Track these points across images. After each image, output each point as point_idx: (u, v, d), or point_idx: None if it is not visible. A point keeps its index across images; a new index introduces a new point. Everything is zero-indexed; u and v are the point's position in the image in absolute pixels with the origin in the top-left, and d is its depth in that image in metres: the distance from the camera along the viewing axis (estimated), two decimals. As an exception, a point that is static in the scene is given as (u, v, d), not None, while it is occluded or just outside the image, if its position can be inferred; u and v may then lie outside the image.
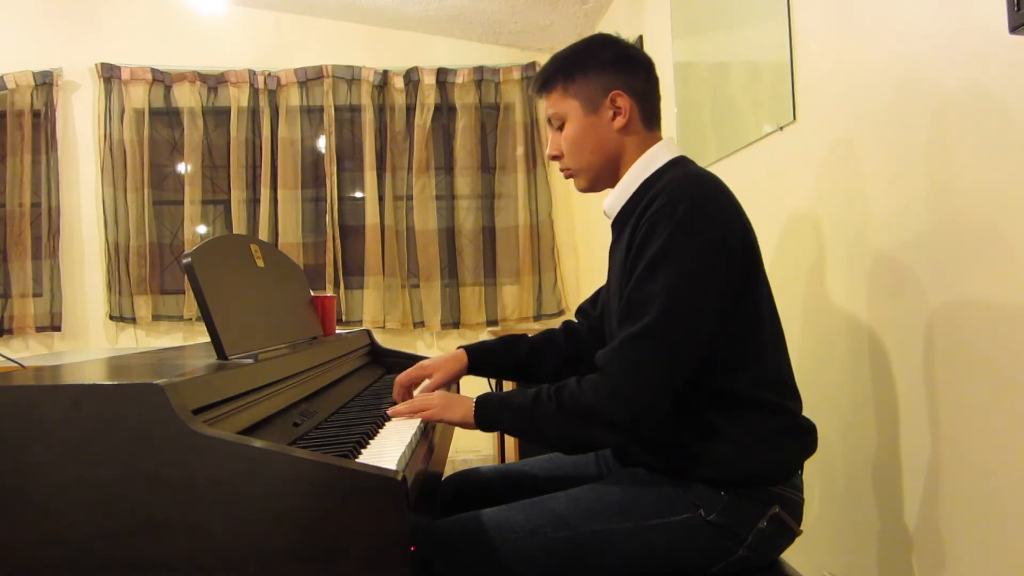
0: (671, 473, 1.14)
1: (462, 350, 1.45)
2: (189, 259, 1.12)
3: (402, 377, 1.39)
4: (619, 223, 1.24)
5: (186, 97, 3.74)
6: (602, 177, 1.26)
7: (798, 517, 1.15)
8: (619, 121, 1.21)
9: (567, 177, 1.30)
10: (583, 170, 1.26)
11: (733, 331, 1.10)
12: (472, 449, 3.77)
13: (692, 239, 1.07)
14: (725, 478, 1.10)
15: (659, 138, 1.25)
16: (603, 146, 1.23)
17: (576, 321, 1.51)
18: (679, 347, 1.06)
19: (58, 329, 3.66)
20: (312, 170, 3.86)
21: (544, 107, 1.28)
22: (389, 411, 1.27)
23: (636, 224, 1.13)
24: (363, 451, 1.04)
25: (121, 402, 0.81)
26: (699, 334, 1.07)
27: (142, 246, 3.71)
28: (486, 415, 1.16)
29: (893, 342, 1.41)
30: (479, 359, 1.44)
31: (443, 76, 3.85)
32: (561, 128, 1.26)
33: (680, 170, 1.18)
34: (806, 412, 1.20)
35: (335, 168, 3.81)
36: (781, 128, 1.83)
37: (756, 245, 1.16)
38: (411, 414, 1.24)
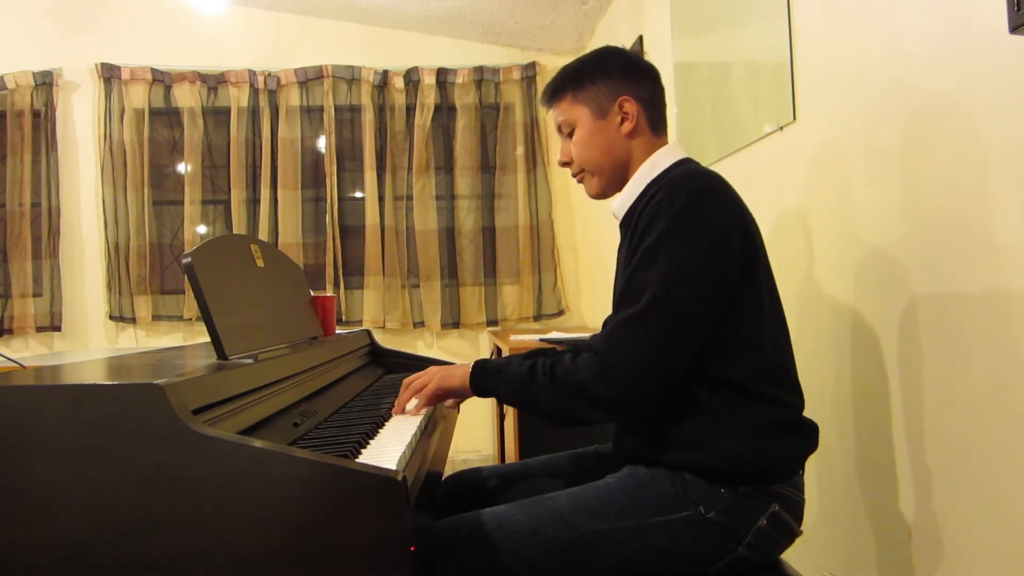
0: (669, 464, 1.14)
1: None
2: (189, 259, 1.12)
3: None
4: (626, 223, 1.26)
5: (186, 97, 3.75)
6: (612, 181, 1.29)
7: (798, 517, 1.15)
8: (627, 126, 1.25)
9: (579, 182, 1.33)
10: (593, 173, 1.30)
11: (733, 322, 1.12)
12: (472, 449, 3.77)
13: (689, 229, 1.09)
14: (724, 470, 1.11)
15: (666, 142, 1.28)
16: (612, 150, 1.27)
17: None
18: (671, 332, 1.08)
19: (58, 329, 3.67)
20: (312, 170, 3.86)
21: (554, 116, 1.32)
22: (394, 410, 1.29)
23: (638, 219, 1.16)
24: (363, 451, 1.04)
25: (121, 402, 0.81)
26: (693, 321, 1.09)
27: (142, 246, 3.71)
28: (482, 380, 1.21)
29: (891, 341, 1.41)
30: None
31: (443, 76, 3.85)
32: (571, 135, 1.30)
33: (684, 169, 1.21)
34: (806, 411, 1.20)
35: (335, 168, 3.81)
36: (781, 128, 1.83)
37: (758, 239, 1.18)
38: (412, 396, 1.27)
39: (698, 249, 1.09)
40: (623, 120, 1.25)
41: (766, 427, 1.12)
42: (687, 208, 1.09)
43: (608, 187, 1.31)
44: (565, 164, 1.33)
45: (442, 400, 1.30)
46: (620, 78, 1.26)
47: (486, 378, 1.21)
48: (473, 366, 1.23)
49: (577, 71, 1.28)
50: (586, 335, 1.60)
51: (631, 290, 1.10)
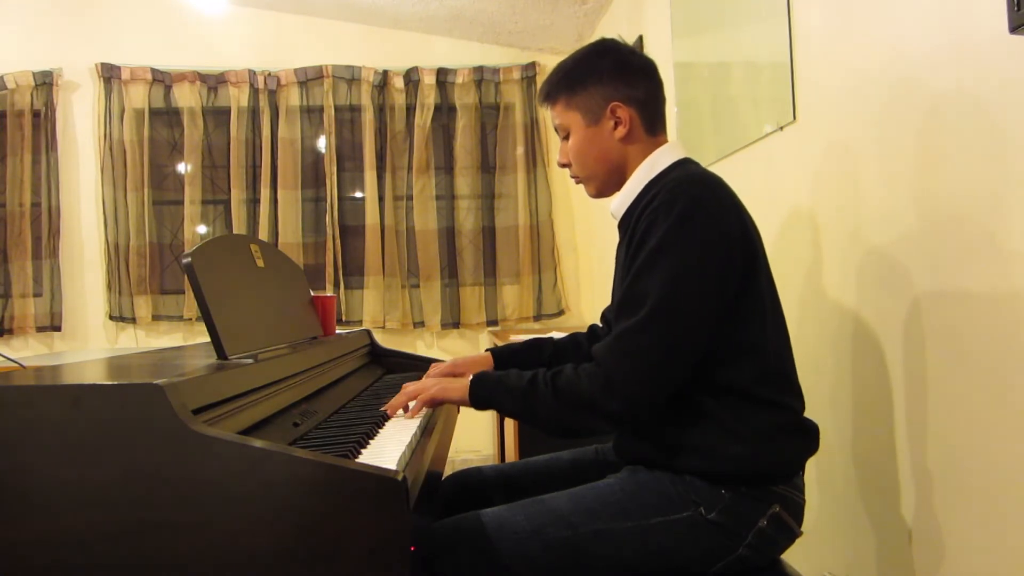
0: (672, 468, 1.14)
1: (488, 353, 1.51)
2: (189, 259, 1.12)
3: (432, 373, 1.43)
4: (624, 224, 1.26)
5: (186, 97, 3.74)
6: (608, 184, 1.29)
7: (799, 518, 1.15)
8: (620, 131, 1.24)
9: (577, 183, 1.33)
10: (590, 178, 1.30)
11: (734, 327, 1.11)
12: (472, 449, 3.77)
13: (689, 235, 1.08)
14: (726, 473, 1.10)
15: (664, 141, 1.27)
16: (606, 155, 1.26)
17: (600, 325, 1.53)
18: (674, 341, 1.07)
19: (58, 329, 3.66)
20: (312, 170, 3.86)
21: (551, 116, 1.31)
22: (386, 405, 1.29)
23: (636, 221, 1.15)
24: (363, 451, 1.05)
25: (121, 402, 0.81)
26: (695, 328, 1.08)
27: (142, 246, 3.70)
28: (481, 393, 1.20)
29: (891, 342, 1.41)
30: (504, 361, 1.48)
31: (443, 76, 3.84)
32: (567, 138, 1.29)
33: (682, 170, 1.20)
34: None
35: (335, 168, 3.80)
36: (781, 128, 1.82)
37: (757, 242, 1.17)
38: (409, 400, 1.27)
39: (697, 256, 1.08)
40: (616, 125, 1.23)
41: (768, 430, 1.12)
42: (685, 214, 1.08)
43: (605, 190, 1.30)
44: (564, 166, 1.32)
45: (438, 406, 1.30)
46: (611, 81, 1.23)
47: (486, 390, 1.20)
48: (472, 379, 1.22)
49: (569, 74, 1.26)
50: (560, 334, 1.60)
51: (632, 299, 1.09)
